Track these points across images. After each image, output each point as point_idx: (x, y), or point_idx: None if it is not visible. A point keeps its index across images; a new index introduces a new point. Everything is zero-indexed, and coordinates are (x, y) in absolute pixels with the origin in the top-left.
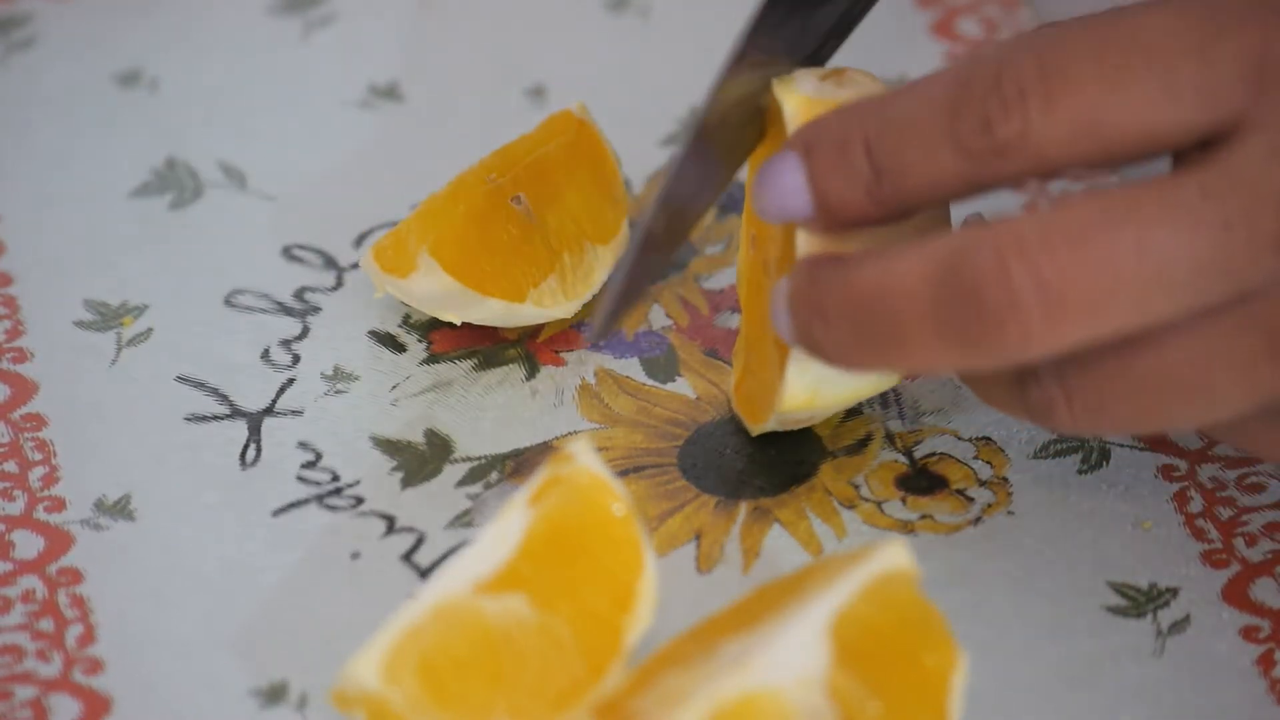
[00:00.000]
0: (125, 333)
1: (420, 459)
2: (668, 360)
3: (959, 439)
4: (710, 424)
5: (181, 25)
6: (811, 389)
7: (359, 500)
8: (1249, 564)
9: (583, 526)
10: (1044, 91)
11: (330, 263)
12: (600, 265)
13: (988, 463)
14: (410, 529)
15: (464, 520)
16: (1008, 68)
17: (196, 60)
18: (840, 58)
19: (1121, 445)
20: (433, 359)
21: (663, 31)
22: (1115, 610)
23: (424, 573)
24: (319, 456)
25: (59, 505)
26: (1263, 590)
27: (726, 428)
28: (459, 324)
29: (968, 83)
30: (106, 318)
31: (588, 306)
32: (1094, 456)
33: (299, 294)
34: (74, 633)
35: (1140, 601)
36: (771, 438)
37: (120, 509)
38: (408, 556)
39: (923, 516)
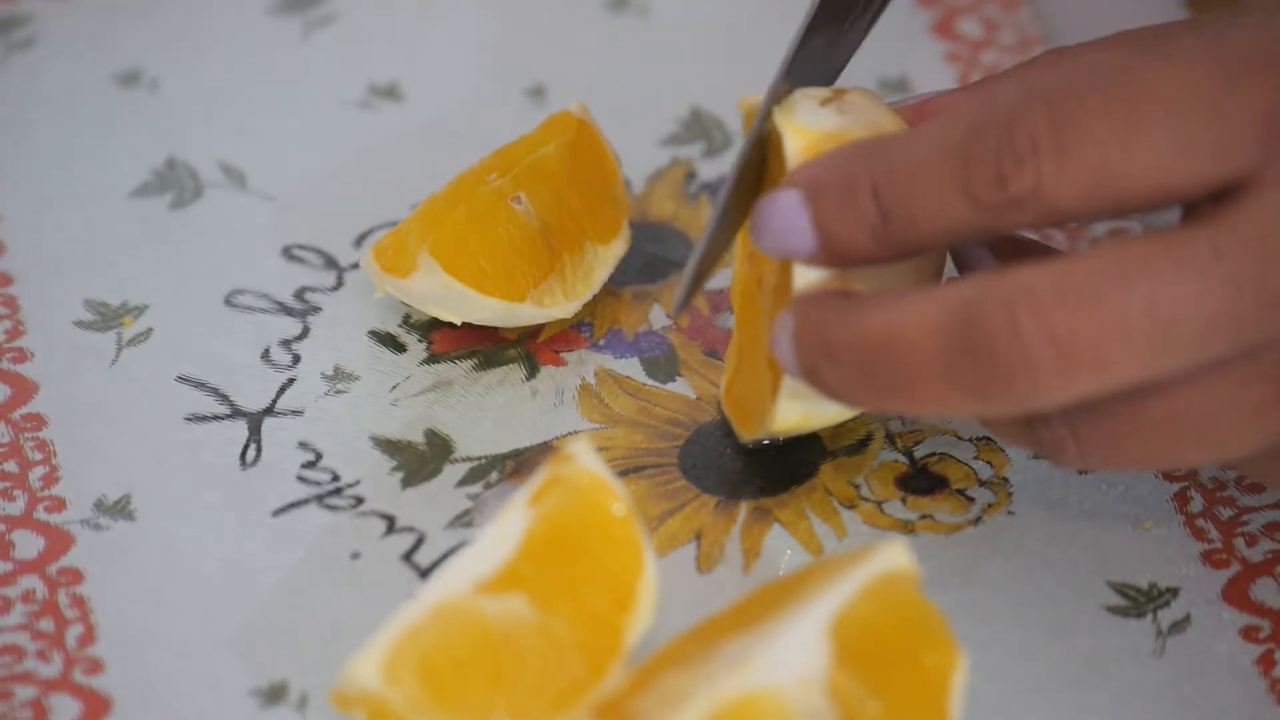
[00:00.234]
0: (125, 333)
1: (420, 459)
2: (668, 360)
3: (959, 439)
4: (710, 424)
5: (181, 25)
6: (804, 412)
7: (359, 500)
8: (1249, 564)
9: (583, 526)
10: (1057, 145)
11: (330, 263)
12: (600, 265)
13: (988, 463)
14: (410, 529)
15: (464, 520)
16: (1020, 120)
17: (196, 60)
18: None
19: None
20: (433, 359)
21: (663, 31)
22: (1115, 610)
23: (424, 573)
24: (319, 456)
25: (59, 505)
26: (1263, 590)
27: (726, 428)
28: (459, 324)
29: (980, 133)
30: (106, 318)
31: (588, 306)
32: None
33: (299, 294)
34: (74, 633)
35: (1140, 601)
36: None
37: (120, 509)
38: (408, 556)
39: (923, 516)
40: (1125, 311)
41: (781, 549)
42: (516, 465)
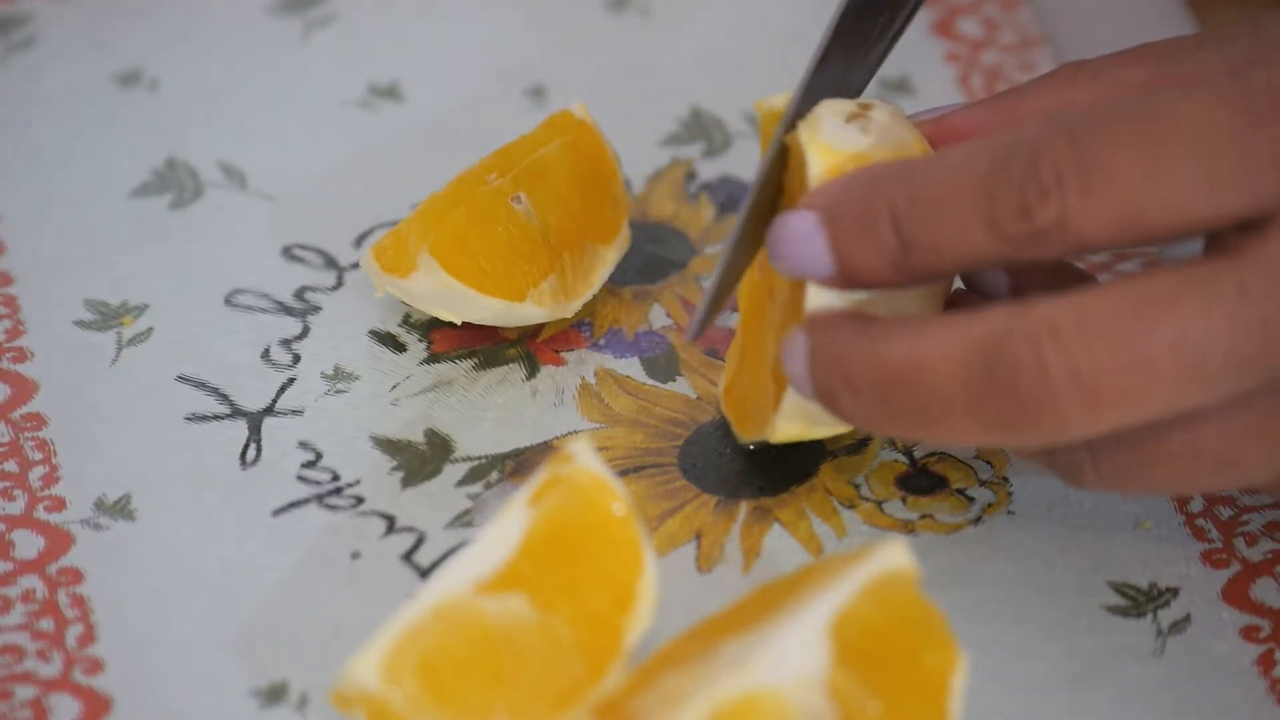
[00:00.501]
0: (125, 333)
1: (420, 459)
2: (668, 360)
3: None
4: (710, 424)
5: (181, 25)
6: (806, 425)
7: (359, 500)
8: (1249, 564)
9: (583, 526)
10: (1082, 180)
11: (330, 262)
12: (600, 265)
13: (988, 462)
14: (410, 529)
15: (464, 520)
16: (1044, 153)
17: (196, 60)
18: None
19: None
20: (433, 359)
21: (663, 31)
22: (1115, 610)
23: (424, 573)
24: (319, 456)
25: (59, 505)
26: (1263, 590)
27: (726, 428)
28: (459, 324)
29: (1004, 165)
30: (106, 318)
31: (588, 306)
32: None
33: (299, 294)
34: (74, 633)
35: (1140, 601)
36: None
37: (120, 509)
38: (408, 556)
39: (923, 516)
40: (1150, 348)
41: (781, 549)
42: (516, 465)
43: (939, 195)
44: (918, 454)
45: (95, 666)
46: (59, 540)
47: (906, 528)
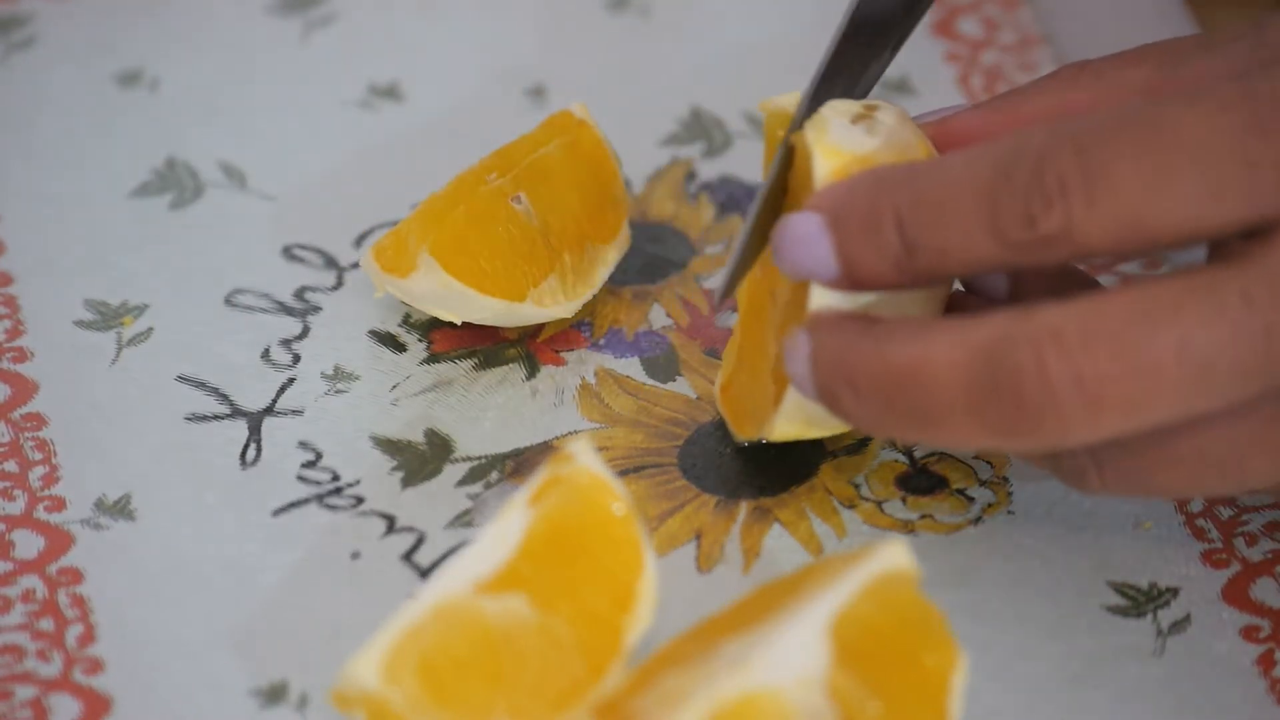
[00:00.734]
0: (125, 333)
1: (420, 459)
2: (668, 360)
3: None
4: (710, 424)
5: (181, 25)
6: (805, 425)
7: (359, 500)
8: (1249, 564)
9: (583, 526)
10: (1087, 188)
11: (330, 262)
12: (600, 265)
13: (988, 462)
14: (410, 529)
15: (464, 520)
16: (1048, 161)
17: (196, 60)
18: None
19: None
20: (433, 359)
21: (663, 31)
22: (1115, 610)
23: (424, 573)
24: (319, 456)
25: (59, 505)
26: (1263, 590)
27: (726, 427)
28: (459, 324)
29: (1008, 173)
30: (106, 318)
31: (588, 306)
32: None
33: (299, 294)
34: (74, 633)
35: (1140, 601)
36: None
37: (120, 509)
38: (408, 556)
39: (923, 516)
40: (1154, 356)
41: (781, 549)
42: (516, 465)
43: (943, 200)
44: (918, 454)
45: (95, 666)
46: (59, 540)
47: (906, 528)
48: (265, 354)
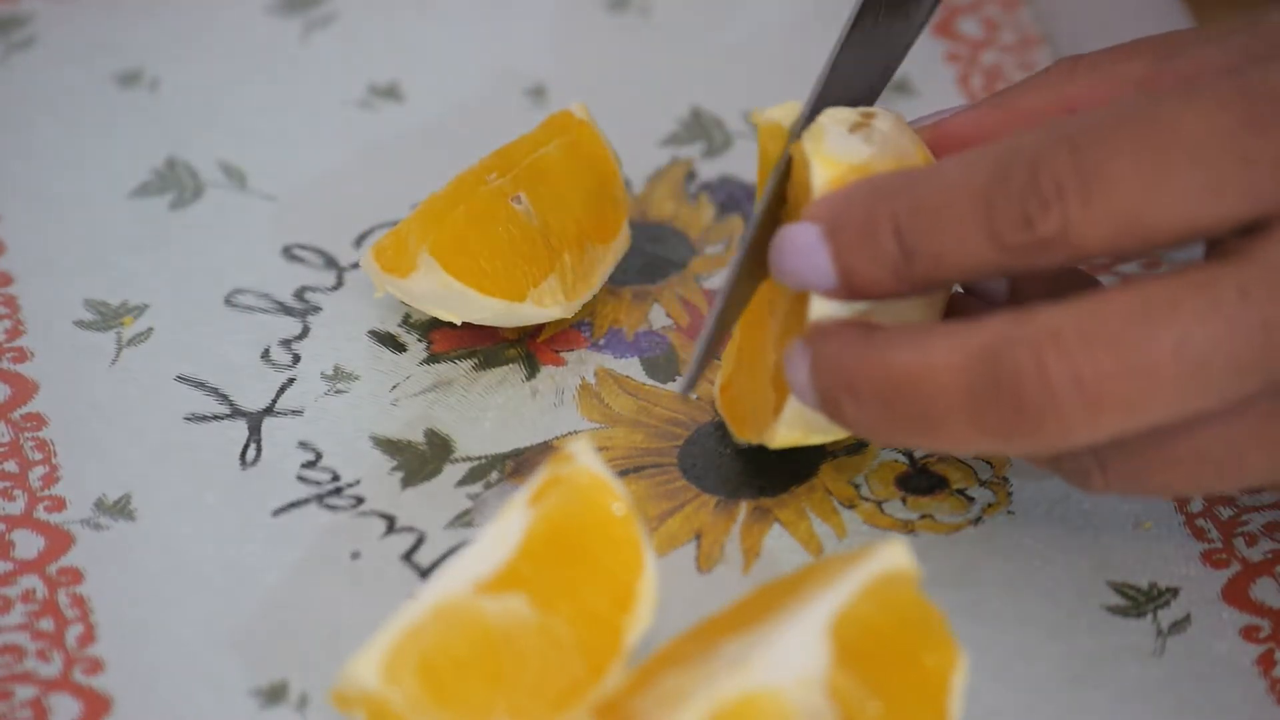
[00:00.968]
0: (125, 333)
1: (420, 459)
2: (668, 360)
3: None
4: (710, 424)
5: (181, 25)
6: (805, 432)
7: (359, 500)
8: (1249, 564)
9: (583, 526)
10: (1083, 189)
11: (330, 263)
12: (600, 265)
13: (988, 462)
14: (410, 529)
15: (464, 520)
16: (1044, 163)
17: (196, 60)
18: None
19: None
20: (433, 359)
21: (663, 31)
22: (1115, 610)
23: (424, 573)
24: (319, 456)
25: (59, 505)
26: (1263, 590)
27: (726, 427)
28: (459, 324)
29: (1004, 176)
30: (106, 318)
31: (588, 306)
32: None
33: (299, 294)
34: (74, 633)
35: (1140, 601)
36: None
37: (120, 509)
38: (408, 556)
39: (923, 516)
40: (1153, 355)
41: (781, 549)
42: (516, 465)
43: (940, 206)
44: (918, 454)
45: (95, 666)
46: (59, 540)
47: (906, 528)
48: (265, 354)
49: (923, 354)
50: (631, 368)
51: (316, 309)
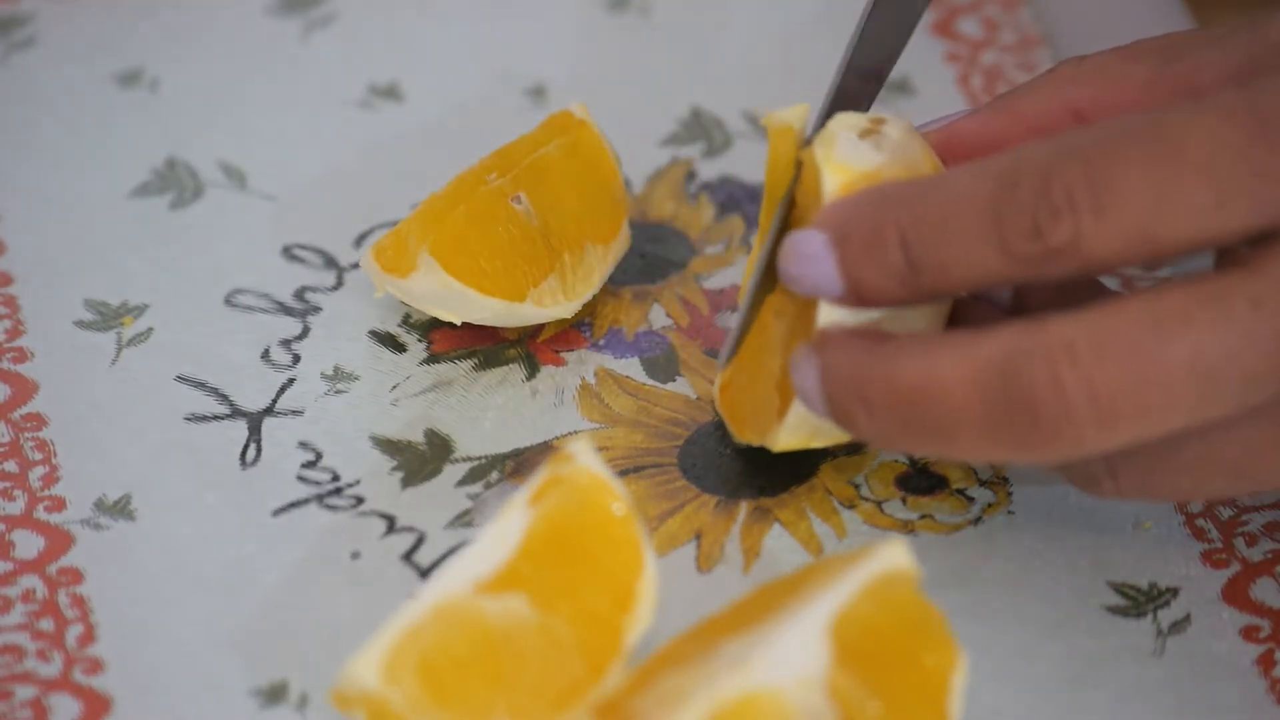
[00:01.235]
0: (125, 333)
1: (420, 459)
2: (668, 360)
3: None
4: (710, 424)
5: (181, 25)
6: (808, 436)
7: (359, 500)
8: (1249, 564)
9: (583, 526)
10: (1094, 201)
11: (330, 263)
12: (600, 265)
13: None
14: (410, 529)
15: (464, 520)
16: (1055, 174)
17: (196, 60)
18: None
19: None
20: (433, 359)
21: (663, 31)
22: (1115, 610)
23: (424, 573)
24: (319, 456)
25: (59, 505)
26: (1263, 590)
27: (726, 427)
28: (459, 324)
29: (1013, 187)
30: (106, 318)
31: (588, 306)
32: None
33: (299, 294)
34: (74, 633)
35: (1140, 601)
36: None
37: (120, 509)
38: (408, 556)
39: (923, 516)
40: (1166, 365)
41: (781, 549)
42: (516, 465)
43: (948, 216)
44: (917, 455)
45: (95, 666)
46: (59, 540)
47: (906, 528)
48: (265, 354)
49: (935, 365)
50: (631, 368)
51: (316, 309)
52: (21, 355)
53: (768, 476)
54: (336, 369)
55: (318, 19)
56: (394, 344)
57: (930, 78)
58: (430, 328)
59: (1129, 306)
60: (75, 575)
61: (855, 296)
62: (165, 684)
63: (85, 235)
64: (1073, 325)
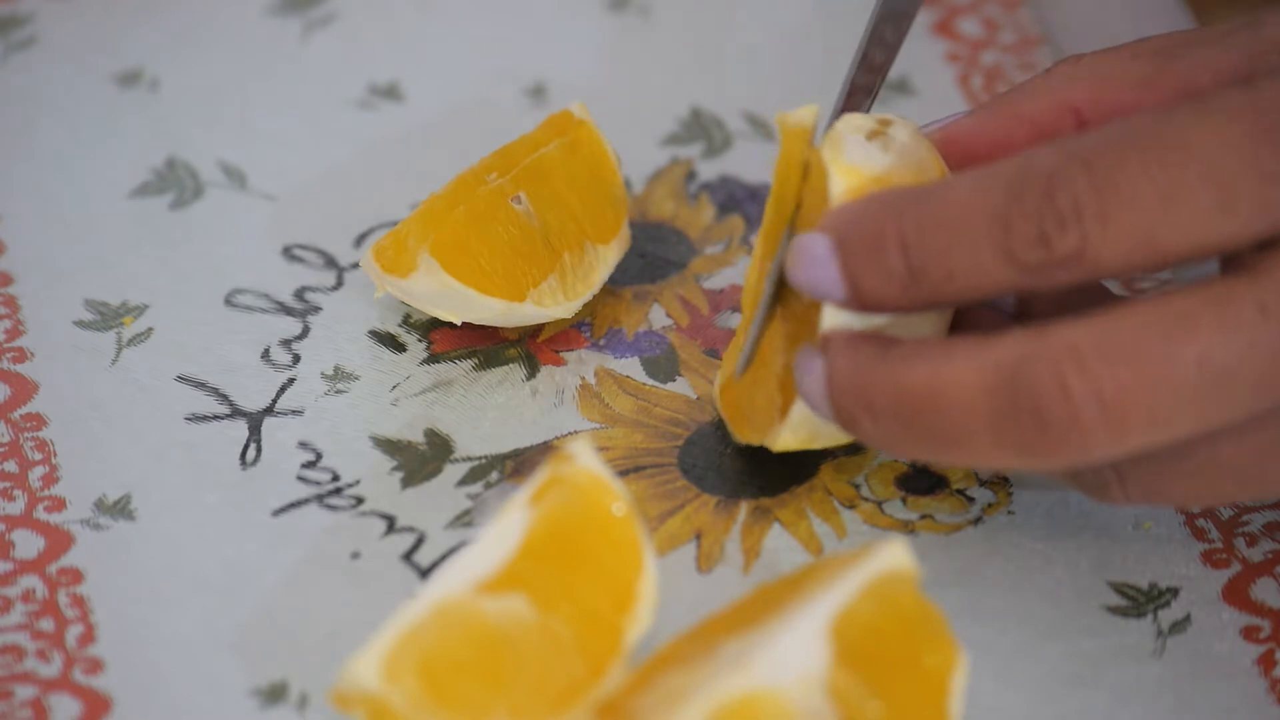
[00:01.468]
0: (125, 333)
1: (420, 459)
2: (668, 360)
3: None
4: (710, 424)
5: (181, 25)
6: (810, 437)
7: (359, 500)
8: (1249, 564)
9: (583, 526)
10: (1101, 208)
11: (330, 263)
12: (600, 265)
13: None
14: (410, 529)
15: (464, 520)
16: (1060, 181)
17: (196, 60)
18: (838, 58)
19: None
20: (433, 359)
21: (663, 31)
22: (1115, 610)
23: (424, 573)
24: (319, 456)
25: (59, 505)
26: (1263, 590)
27: (726, 427)
28: (459, 324)
29: (1018, 194)
30: (106, 318)
31: (588, 306)
32: None
33: (299, 294)
34: (74, 633)
35: (1140, 601)
36: None
37: (120, 509)
38: (408, 556)
39: (923, 516)
40: (1174, 370)
41: (781, 549)
42: (516, 465)
43: (952, 224)
44: None
45: (95, 666)
46: (59, 540)
47: (906, 528)
48: (265, 354)
49: (941, 370)
50: (631, 368)
51: (316, 309)
52: (21, 355)
53: (768, 476)
54: (336, 369)
55: (318, 19)
56: (394, 344)
57: (930, 78)
58: (430, 328)
59: (1136, 311)
60: (75, 575)
61: (857, 301)
62: (165, 684)
63: (85, 235)
64: (1079, 330)
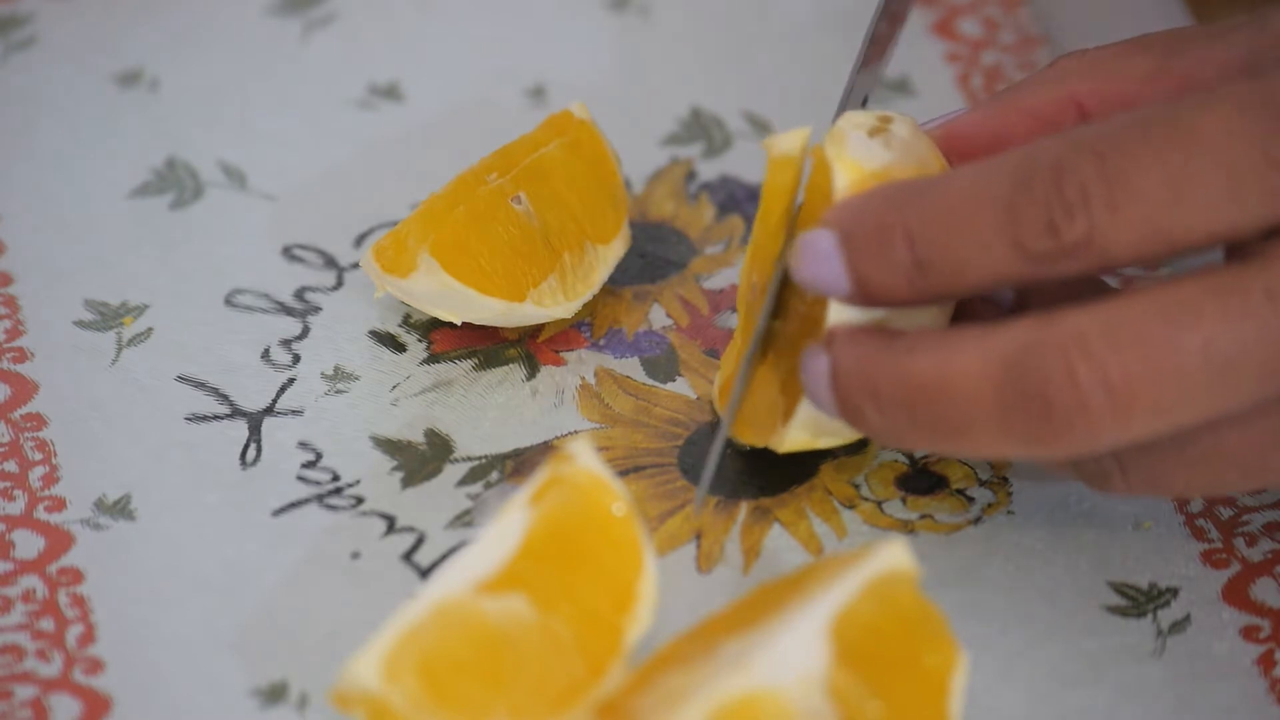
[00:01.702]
0: (125, 333)
1: (420, 459)
2: (668, 360)
3: None
4: (710, 424)
5: (181, 25)
6: (814, 437)
7: (359, 500)
8: (1249, 564)
9: (583, 526)
10: (1109, 196)
11: (330, 263)
12: (600, 265)
13: (988, 462)
14: (410, 529)
15: (464, 520)
16: (1068, 170)
17: (196, 60)
18: (838, 58)
19: None
20: (433, 359)
21: (663, 31)
22: (1115, 610)
23: (424, 573)
24: (319, 456)
25: (59, 505)
26: (1263, 590)
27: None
28: (459, 324)
29: (1026, 184)
30: (106, 318)
31: (588, 306)
32: None
33: (299, 294)
34: (74, 632)
35: (1140, 601)
36: None
37: (120, 509)
38: (408, 556)
39: (923, 516)
40: (1181, 357)
41: (781, 549)
42: (516, 465)
43: (958, 214)
44: (918, 454)
45: (95, 666)
46: (59, 540)
47: (906, 528)
48: (265, 354)
49: (946, 359)
50: (631, 368)
51: (316, 309)
52: (21, 355)
53: (768, 476)
54: (336, 369)
55: (318, 19)
56: (394, 344)
57: (930, 78)
58: (430, 328)
59: (1142, 298)
60: (75, 575)
61: (863, 295)
62: (165, 684)
63: (85, 235)
64: (1086, 317)
